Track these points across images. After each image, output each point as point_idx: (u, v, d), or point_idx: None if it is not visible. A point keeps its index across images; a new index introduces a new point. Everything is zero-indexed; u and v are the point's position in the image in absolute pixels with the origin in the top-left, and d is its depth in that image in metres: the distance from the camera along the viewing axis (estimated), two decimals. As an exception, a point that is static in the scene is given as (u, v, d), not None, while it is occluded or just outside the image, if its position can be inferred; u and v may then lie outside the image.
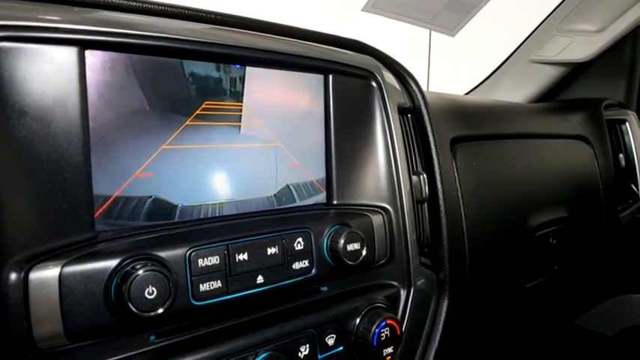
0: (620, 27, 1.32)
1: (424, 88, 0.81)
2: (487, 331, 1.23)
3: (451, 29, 1.47)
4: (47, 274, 0.39)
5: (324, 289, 0.60)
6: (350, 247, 0.57)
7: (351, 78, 0.65)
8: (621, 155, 1.43)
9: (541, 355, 1.59)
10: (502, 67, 1.66)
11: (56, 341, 0.40)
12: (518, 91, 1.56)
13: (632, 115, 1.48)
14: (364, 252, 0.58)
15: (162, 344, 0.46)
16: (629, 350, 1.51)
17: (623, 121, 1.45)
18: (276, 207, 0.59)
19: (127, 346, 0.44)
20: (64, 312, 0.39)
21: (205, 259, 0.47)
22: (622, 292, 1.53)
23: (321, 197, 0.64)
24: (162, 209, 0.50)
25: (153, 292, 0.41)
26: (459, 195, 0.86)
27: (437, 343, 0.74)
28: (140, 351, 0.45)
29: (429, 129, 0.79)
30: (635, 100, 1.56)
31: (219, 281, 0.48)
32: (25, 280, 0.38)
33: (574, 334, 1.60)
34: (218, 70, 0.53)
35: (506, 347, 1.56)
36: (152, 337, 0.46)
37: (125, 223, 0.47)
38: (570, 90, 1.61)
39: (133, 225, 0.48)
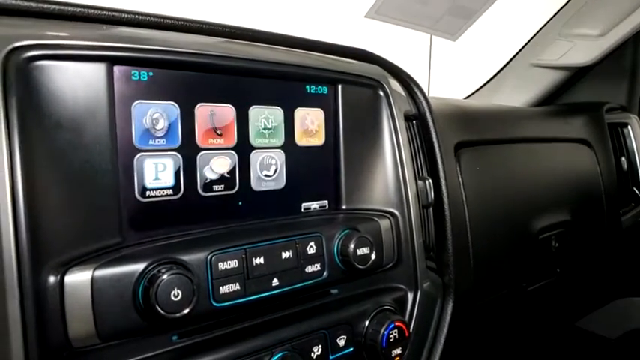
0: (621, 31, 1.34)
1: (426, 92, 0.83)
2: (490, 333, 1.25)
3: (452, 34, 1.49)
4: (80, 278, 0.42)
5: (335, 291, 0.63)
6: (360, 252, 0.59)
7: (359, 87, 0.68)
8: (623, 159, 1.45)
9: (543, 358, 1.61)
10: (503, 70, 1.68)
11: (88, 341, 0.42)
12: (519, 95, 1.59)
13: (633, 119, 1.50)
14: (373, 256, 0.60)
15: (184, 344, 0.49)
16: (632, 353, 1.52)
17: (625, 125, 1.47)
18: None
19: (151, 346, 0.47)
20: (95, 313, 0.42)
21: (225, 263, 0.50)
22: (624, 295, 1.55)
23: (330, 202, 0.66)
24: (183, 214, 0.52)
25: (178, 294, 0.44)
26: (464, 199, 0.88)
27: (442, 344, 0.77)
28: (163, 350, 0.47)
29: (433, 135, 0.82)
30: (637, 103, 1.58)
31: (237, 284, 0.50)
32: (61, 283, 0.41)
33: (576, 336, 1.62)
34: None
35: (509, 350, 1.58)
36: (174, 337, 0.49)
37: (150, 228, 0.50)
38: (571, 94, 1.63)
39: (157, 230, 0.50)
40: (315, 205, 0.65)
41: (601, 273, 1.39)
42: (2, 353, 0.38)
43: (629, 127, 1.48)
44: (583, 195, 1.24)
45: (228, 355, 0.50)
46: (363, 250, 0.60)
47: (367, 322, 0.62)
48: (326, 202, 0.66)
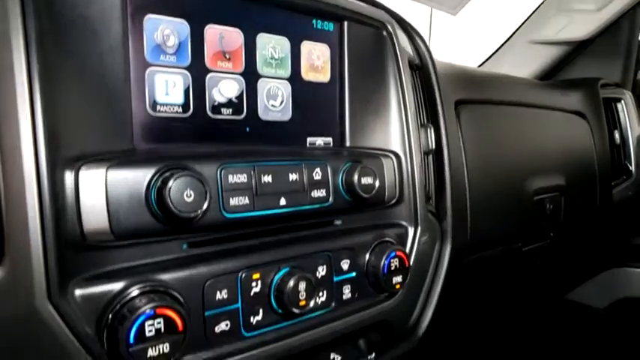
0: (618, 5, 1.36)
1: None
2: (482, 293, 1.28)
3: (453, 8, 1.51)
4: (95, 175, 0.43)
5: (338, 222, 0.64)
6: (364, 181, 0.61)
7: (365, 27, 0.69)
8: (616, 132, 1.48)
9: (533, 329, 1.64)
10: (502, 48, 1.70)
11: (102, 237, 0.43)
12: (517, 72, 1.61)
13: (627, 95, 1.53)
14: (377, 184, 0.62)
15: (194, 253, 0.50)
16: (620, 322, 1.56)
17: (619, 100, 1.50)
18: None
19: (162, 251, 0.48)
20: (109, 210, 0.43)
21: (234, 176, 0.51)
22: (612, 266, 1.58)
23: (334, 140, 0.68)
24: (193, 132, 0.53)
25: (191, 195, 0.45)
26: (463, 152, 0.90)
27: (440, 286, 0.79)
28: (174, 256, 0.49)
29: (435, 85, 0.83)
30: (631, 80, 1.61)
31: (246, 198, 0.51)
32: (77, 179, 0.42)
33: (564, 307, 1.65)
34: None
35: (498, 314, 1.61)
36: (185, 246, 0.50)
37: (160, 141, 0.51)
38: (568, 71, 1.66)
39: (167, 143, 0.51)
40: (319, 141, 0.66)
41: (591, 242, 1.42)
42: (22, 244, 0.39)
43: (622, 102, 1.51)
44: (577, 163, 1.27)
45: (237, 265, 0.51)
46: (367, 180, 0.61)
47: (370, 250, 0.63)
48: (330, 139, 0.67)
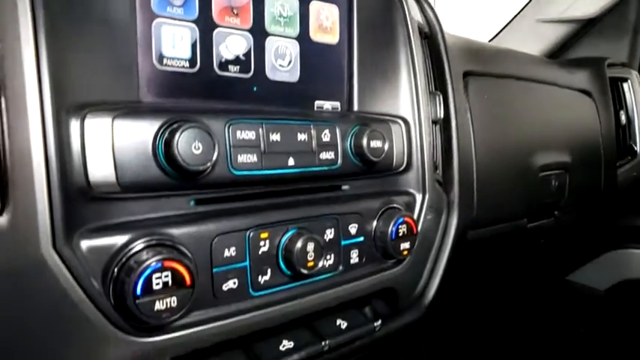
0: (627, -19, 1.34)
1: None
2: (486, 273, 1.28)
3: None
4: (100, 124, 0.42)
5: (346, 187, 0.63)
6: (373, 144, 0.60)
7: (375, -11, 0.67)
8: (622, 112, 1.46)
9: (534, 311, 1.64)
10: (508, 26, 1.68)
11: (109, 188, 0.42)
12: (525, 51, 1.59)
13: (634, 74, 1.51)
14: (386, 147, 0.61)
15: (201, 210, 0.49)
16: (621, 304, 1.56)
17: (625, 79, 1.48)
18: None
19: (169, 207, 0.47)
20: (116, 161, 0.42)
21: (243, 133, 0.49)
22: (614, 248, 1.58)
23: (342, 105, 0.66)
24: (200, 88, 0.52)
25: (199, 147, 0.43)
26: (470, 124, 0.88)
27: (446, 259, 0.78)
28: (181, 212, 0.48)
29: (444, 54, 0.82)
30: (637, 60, 1.59)
31: (254, 155, 0.50)
32: (82, 127, 0.41)
33: (567, 289, 1.65)
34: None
35: (501, 297, 1.61)
36: (192, 203, 0.49)
37: (166, 95, 0.49)
38: (575, 50, 1.64)
39: (174, 98, 0.50)
40: (327, 104, 0.65)
41: (595, 222, 1.42)
42: (26, 190, 0.38)
43: (629, 82, 1.49)
44: (583, 142, 1.25)
45: (245, 224, 0.50)
46: (376, 143, 0.60)
47: (378, 215, 0.62)
48: (338, 103, 0.66)
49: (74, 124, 0.40)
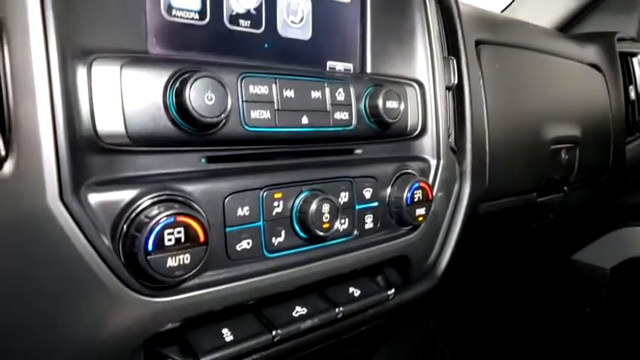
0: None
1: None
2: (495, 249, 1.26)
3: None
4: (108, 72, 0.39)
5: (359, 151, 0.61)
6: (389, 105, 0.57)
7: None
8: (631, 87, 1.44)
9: (540, 290, 1.64)
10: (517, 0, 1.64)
11: (119, 139, 0.40)
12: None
13: (644, 49, 1.48)
14: (402, 108, 0.58)
15: (213, 167, 0.47)
16: (628, 282, 1.55)
17: (635, 54, 1.45)
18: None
19: (181, 163, 0.45)
20: (125, 112, 0.40)
21: (255, 87, 0.47)
22: (621, 225, 1.56)
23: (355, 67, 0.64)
24: (209, 41, 0.49)
25: (212, 98, 0.41)
26: (483, 92, 0.86)
27: (458, 229, 0.76)
28: (192, 169, 0.45)
29: (457, 19, 0.79)
30: (647, 34, 1.56)
31: (267, 112, 0.48)
32: (89, 74, 0.38)
33: (573, 268, 1.64)
34: None
35: (508, 275, 1.61)
36: (203, 160, 0.46)
37: (175, 48, 0.47)
38: (585, 25, 1.61)
39: (183, 51, 0.47)
40: (340, 65, 0.62)
41: (603, 199, 1.40)
42: (31, 138, 0.35)
43: (638, 57, 1.46)
44: (592, 116, 1.23)
45: (258, 183, 0.48)
46: (392, 104, 0.58)
47: (392, 181, 0.60)
48: (351, 65, 0.63)
49: (81, 70, 0.38)
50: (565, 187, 1.17)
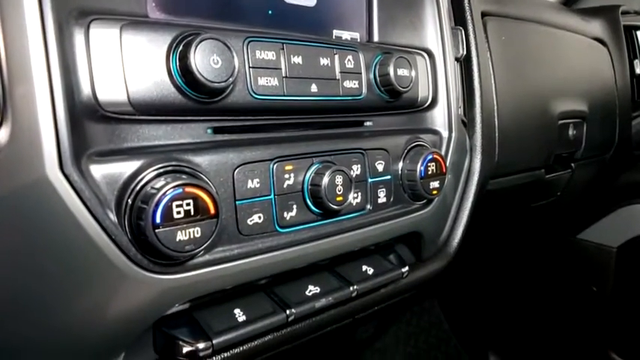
0: None
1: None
2: (502, 227, 1.25)
3: None
4: (107, 34, 0.37)
5: (369, 123, 0.59)
6: (400, 72, 0.55)
7: None
8: (636, 62, 1.41)
9: (547, 269, 1.62)
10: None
11: (121, 108, 0.37)
12: None
13: (648, 22, 1.46)
14: (413, 76, 0.56)
15: (220, 138, 0.44)
16: (635, 260, 1.53)
17: (639, 27, 1.43)
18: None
19: (186, 134, 0.42)
20: (126, 77, 0.37)
21: (262, 53, 0.45)
22: (627, 203, 1.54)
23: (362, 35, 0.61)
24: (210, 6, 0.47)
25: (218, 61, 0.39)
26: (491, 65, 0.83)
27: (470, 205, 0.74)
28: (199, 140, 0.43)
29: (464, -13, 0.76)
30: (651, 8, 1.54)
31: (275, 79, 0.46)
32: (87, 37, 0.36)
33: (579, 247, 1.62)
34: None
35: (515, 255, 1.59)
36: (210, 131, 0.44)
37: (176, 14, 0.44)
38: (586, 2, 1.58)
39: (184, 17, 0.45)
40: (346, 35, 0.60)
41: (610, 175, 1.39)
42: (27, 105, 0.33)
43: (643, 30, 1.44)
44: (598, 91, 1.21)
45: (268, 154, 0.45)
46: (403, 72, 0.55)
47: (404, 153, 0.58)
48: (358, 34, 0.61)
49: (78, 33, 0.35)
50: (572, 164, 1.15)
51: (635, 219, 1.52)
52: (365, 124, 0.58)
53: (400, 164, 0.58)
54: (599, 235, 1.59)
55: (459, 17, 0.77)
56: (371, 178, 0.54)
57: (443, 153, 0.64)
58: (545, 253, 1.62)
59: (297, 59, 0.47)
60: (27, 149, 0.33)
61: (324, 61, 0.50)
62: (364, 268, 0.59)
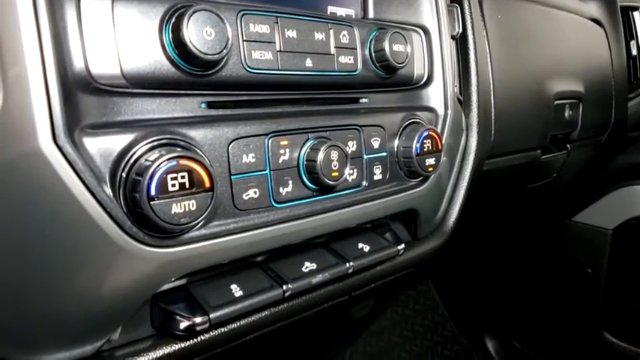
0: None
1: None
2: (497, 208, 1.25)
3: None
4: (99, 5, 0.36)
5: (365, 100, 0.58)
6: (396, 48, 0.55)
7: None
8: (633, 43, 1.41)
9: (542, 252, 1.63)
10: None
11: (113, 80, 0.37)
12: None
13: (645, 3, 1.45)
14: (409, 51, 0.56)
15: (215, 113, 0.44)
16: (630, 242, 1.54)
17: (636, 8, 1.42)
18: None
19: (180, 108, 0.42)
20: (119, 50, 0.37)
21: (256, 26, 0.44)
22: (622, 185, 1.54)
23: (357, 12, 0.61)
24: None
25: (211, 33, 0.38)
26: (487, 44, 0.83)
27: (466, 184, 0.74)
28: (192, 115, 0.43)
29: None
30: (649, -13, 1.53)
31: (269, 53, 0.45)
32: (78, 9, 0.35)
33: (574, 229, 1.63)
34: None
35: (510, 237, 1.60)
36: (203, 106, 0.44)
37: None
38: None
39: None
40: (341, 11, 0.59)
41: (605, 157, 1.39)
42: (18, 76, 0.32)
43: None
44: (594, 72, 1.21)
45: (263, 129, 0.45)
46: (398, 47, 0.55)
47: (400, 130, 0.58)
48: (352, 10, 0.60)
49: (69, 5, 0.35)
50: (568, 145, 1.15)
51: (631, 201, 1.53)
52: (361, 100, 0.58)
53: (396, 141, 0.58)
54: (594, 217, 1.59)
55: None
56: (367, 155, 0.54)
57: (439, 130, 0.64)
58: (540, 235, 1.63)
59: (292, 33, 0.47)
60: (19, 121, 0.32)
61: (318, 36, 0.49)
62: (360, 245, 0.59)
